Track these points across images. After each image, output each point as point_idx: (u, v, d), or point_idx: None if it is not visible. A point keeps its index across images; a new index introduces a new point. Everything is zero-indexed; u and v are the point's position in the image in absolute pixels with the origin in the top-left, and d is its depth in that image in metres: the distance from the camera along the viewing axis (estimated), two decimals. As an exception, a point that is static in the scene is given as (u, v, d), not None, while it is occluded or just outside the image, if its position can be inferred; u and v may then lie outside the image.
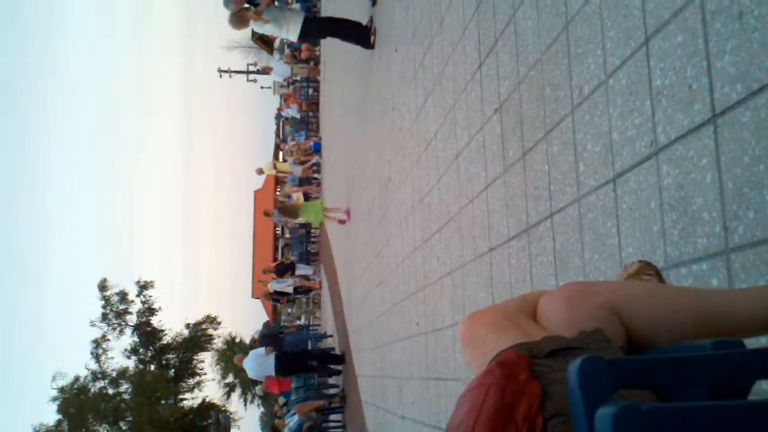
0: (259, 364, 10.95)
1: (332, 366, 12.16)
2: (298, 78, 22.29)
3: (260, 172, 19.84)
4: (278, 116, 24.63)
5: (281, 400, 15.51)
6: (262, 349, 11.17)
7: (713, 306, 1.15)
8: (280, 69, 22.17)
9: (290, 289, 17.29)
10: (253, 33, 38.47)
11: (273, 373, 11.04)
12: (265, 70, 22.81)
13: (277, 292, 17.79)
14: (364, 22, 8.14)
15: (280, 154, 21.63)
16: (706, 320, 1.11)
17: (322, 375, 13.39)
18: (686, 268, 1.70)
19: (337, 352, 12.47)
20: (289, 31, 7.66)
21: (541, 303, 1.17)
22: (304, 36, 7.84)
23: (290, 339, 14.88)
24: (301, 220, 13.28)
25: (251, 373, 11.23)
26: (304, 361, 11.86)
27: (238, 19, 7.37)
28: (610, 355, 0.95)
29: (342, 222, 11.28)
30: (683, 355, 0.84)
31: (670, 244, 1.79)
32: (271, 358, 10.87)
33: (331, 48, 17.68)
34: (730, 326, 1.11)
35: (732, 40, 1.55)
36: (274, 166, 20.86)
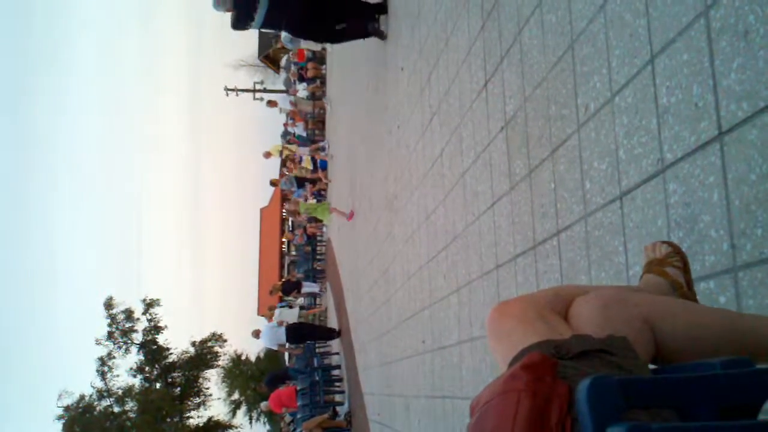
0: (272, 334, 13.10)
1: (329, 337, 14.43)
2: (308, 112, 22.38)
3: (268, 155, 19.62)
4: (285, 133, 24.74)
5: (287, 417, 15.51)
6: (274, 323, 13.60)
7: (745, 329, 1.15)
8: (285, 104, 22.32)
9: (294, 318, 17.59)
10: (260, 52, 38.76)
11: (284, 342, 13.15)
12: (271, 104, 22.94)
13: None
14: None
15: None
16: (736, 342, 1.12)
17: (327, 385, 13.46)
18: (694, 286, 1.69)
19: (339, 365, 13.30)
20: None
21: (576, 305, 1.16)
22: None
23: (297, 365, 16.06)
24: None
25: (266, 343, 13.40)
26: (306, 332, 14.24)
27: None
28: (636, 364, 0.95)
29: (344, 215, 11.76)
30: (694, 375, 0.84)
31: (677, 261, 1.79)
32: (282, 329, 13.08)
33: (336, 67, 17.76)
34: (758, 350, 1.11)
35: (738, 58, 1.56)
36: (281, 146, 20.82)
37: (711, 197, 1.66)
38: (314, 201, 17.21)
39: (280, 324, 13.43)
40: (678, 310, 1.19)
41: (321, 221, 22.55)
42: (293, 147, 20.23)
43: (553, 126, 2.63)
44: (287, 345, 13.86)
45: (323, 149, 19.13)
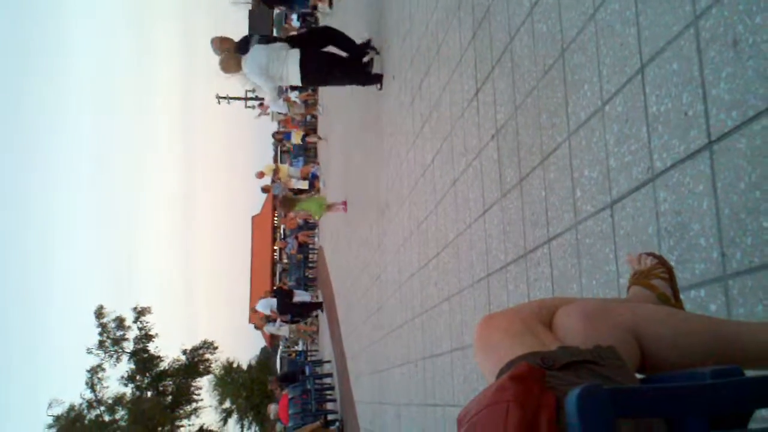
0: (266, 303, 16.44)
1: (313, 309, 17.64)
2: (300, 115, 22.37)
3: (261, 175, 19.68)
4: (276, 142, 24.79)
5: (279, 426, 15.54)
6: (269, 297, 16.85)
7: (729, 335, 1.15)
8: (277, 108, 22.21)
9: (286, 334, 18.98)
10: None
11: (276, 308, 16.33)
12: (263, 109, 22.88)
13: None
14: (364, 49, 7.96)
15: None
16: (721, 348, 1.11)
17: (319, 401, 13.43)
18: (684, 294, 1.70)
19: (331, 373, 13.33)
20: (289, 74, 6.57)
21: (558, 316, 1.16)
22: (305, 75, 6.69)
23: (292, 368, 18.33)
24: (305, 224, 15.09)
25: (261, 308, 16.35)
26: (293, 306, 17.09)
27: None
28: (624, 374, 0.95)
29: (339, 208, 11.76)
30: (683, 385, 0.83)
31: (667, 270, 1.79)
32: (275, 300, 16.40)
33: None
34: (743, 355, 1.11)
35: (727, 67, 1.57)
36: (274, 168, 20.87)
37: (701, 206, 1.66)
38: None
39: (272, 297, 16.64)
40: (663, 318, 1.18)
41: (313, 230, 22.54)
42: (285, 168, 20.23)
43: (543, 134, 2.64)
44: (277, 313, 16.80)
45: (314, 174, 19.21)
